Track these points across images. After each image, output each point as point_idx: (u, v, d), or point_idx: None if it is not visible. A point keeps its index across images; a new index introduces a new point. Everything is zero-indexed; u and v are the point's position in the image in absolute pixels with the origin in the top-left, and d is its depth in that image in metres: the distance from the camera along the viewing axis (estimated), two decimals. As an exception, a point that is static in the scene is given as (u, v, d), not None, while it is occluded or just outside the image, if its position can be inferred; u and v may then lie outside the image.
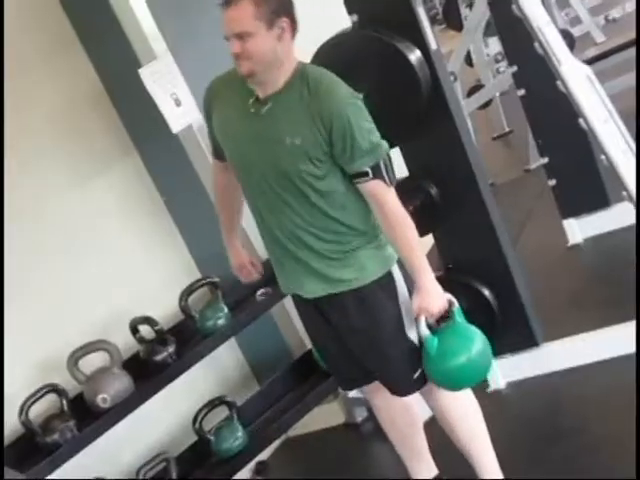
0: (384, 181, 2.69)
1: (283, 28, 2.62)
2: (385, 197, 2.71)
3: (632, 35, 6.18)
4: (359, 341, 2.86)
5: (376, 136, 2.69)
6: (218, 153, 2.95)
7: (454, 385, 2.90)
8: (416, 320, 2.82)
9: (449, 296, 2.85)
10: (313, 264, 2.78)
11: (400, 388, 2.93)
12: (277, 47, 2.62)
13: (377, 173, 2.68)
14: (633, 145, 3.24)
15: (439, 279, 2.83)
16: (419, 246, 2.78)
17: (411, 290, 2.84)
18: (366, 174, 2.68)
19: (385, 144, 2.71)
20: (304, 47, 3.33)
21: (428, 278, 2.77)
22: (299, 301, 2.96)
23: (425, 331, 2.81)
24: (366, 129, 2.66)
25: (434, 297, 2.78)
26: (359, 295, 2.80)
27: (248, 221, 3.15)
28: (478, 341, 2.85)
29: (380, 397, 3.07)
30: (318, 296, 2.84)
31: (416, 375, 2.87)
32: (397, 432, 3.15)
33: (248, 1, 2.55)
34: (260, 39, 2.58)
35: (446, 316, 2.83)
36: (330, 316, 2.87)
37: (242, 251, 3.23)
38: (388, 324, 2.82)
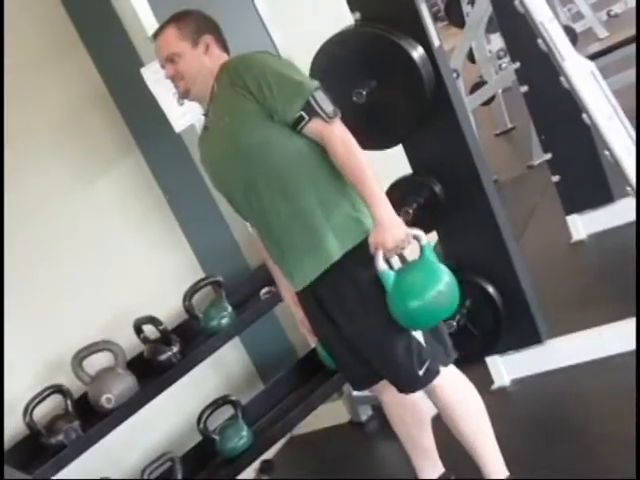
0: (321, 117, 2.66)
1: (207, 44, 2.82)
2: (329, 133, 2.68)
3: (634, 30, 6.17)
4: (358, 331, 2.82)
5: (297, 76, 2.70)
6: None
7: (412, 323, 2.77)
8: (374, 255, 2.68)
9: (416, 231, 2.72)
10: (298, 244, 2.76)
11: (405, 385, 2.89)
12: (205, 60, 2.81)
13: (311, 112, 2.66)
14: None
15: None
16: (374, 178, 2.67)
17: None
18: (302, 118, 2.67)
19: (309, 81, 2.70)
20: (306, 45, 3.36)
21: (383, 210, 2.66)
22: (304, 299, 2.94)
23: (381, 266, 2.68)
24: (280, 72, 2.68)
25: (390, 230, 2.64)
26: (347, 270, 2.74)
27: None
28: (439, 281, 2.70)
29: (389, 394, 3.05)
30: (314, 280, 2.80)
31: (422, 371, 2.82)
32: (405, 429, 3.13)
33: (171, 27, 2.82)
34: (188, 57, 2.80)
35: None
36: (328, 305, 2.84)
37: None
38: (381, 305, 2.75)
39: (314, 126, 2.68)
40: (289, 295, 3.05)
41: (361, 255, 2.72)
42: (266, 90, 2.65)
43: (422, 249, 2.72)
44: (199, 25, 2.84)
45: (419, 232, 2.73)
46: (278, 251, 2.87)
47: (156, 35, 2.86)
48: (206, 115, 2.88)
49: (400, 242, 2.66)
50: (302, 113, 2.65)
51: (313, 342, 3.17)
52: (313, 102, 2.65)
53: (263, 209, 2.78)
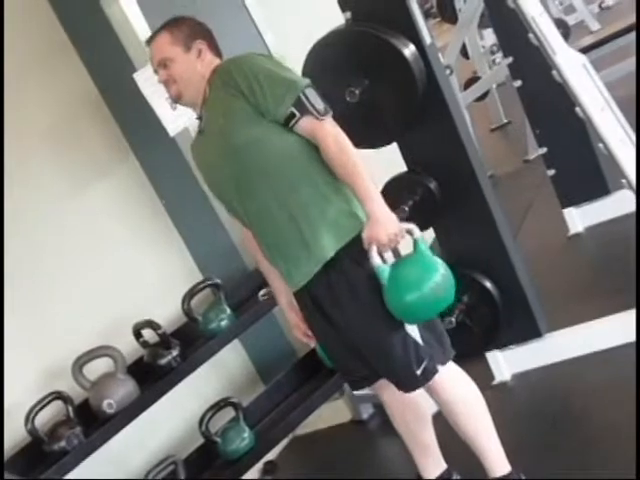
0: (312, 115, 2.68)
1: (200, 50, 2.84)
2: (321, 130, 2.69)
3: (626, 22, 6.18)
4: (353, 328, 2.83)
5: (287, 74, 2.71)
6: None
7: (409, 317, 2.78)
8: (368, 250, 2.69)
9: (409, 225, 2.73)
10: (294, 245, 2.77)
11: (404, 384, 2.91)
12: (197, 65, 2.83)
13: (302, 109, 2.67)
14: (631, 133, 3.23)
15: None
16: (365, 174, 2.68)
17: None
18: (293, 115, 2.68)
19: (300, 79, 2.72)
20: (299, 45, 3.36)
21: (376, 204, 2.67)
22: (298, 296, 2.94)
23: (376, 261, 2.68)
24: (271, 71, 2.69)
25: (383, 225, 2.65)
26: (342, 267, 2.75)
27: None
28: (435, 272, 2.72)
29: (388, 392, 3.05)
30: (310, 279, 2.81)
31: (419, 370, 2.84)
32: (406, 427, 3.14)
33: (164, 32, 2.86)
34: (180, 62, 2.82)
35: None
36: (324, 305, 2.85)
37: (297, 308, 3.05)
38: (376, 302, 2.76)
39: (305, 124, 2.69)
40: (284, 300, 3.06)
41: (356, 250, 2.73)
42: (257, 89, 2.66)
43: (415, 243, 2.73)
44: (192, 30, 2.87)
45: (412, 226, 2.74)
46: (273, 251, 2.87)
47: (149, 41, 2.90)
48: (199, 119, 2.89)
49: (394, 237, 2.67)
50: (293, 110, 2.67)
51: (311, 344, 3.16)
52: (304, 99, 2.66)
53: (256, 209, 2.79)
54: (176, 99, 2.89)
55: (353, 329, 2.83)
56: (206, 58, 2.84)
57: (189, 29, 2.86)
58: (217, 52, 2.90)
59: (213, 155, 2.83)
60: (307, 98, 2.67)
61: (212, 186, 2.95)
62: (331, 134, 2.69)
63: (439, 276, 2.73)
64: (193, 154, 3.00)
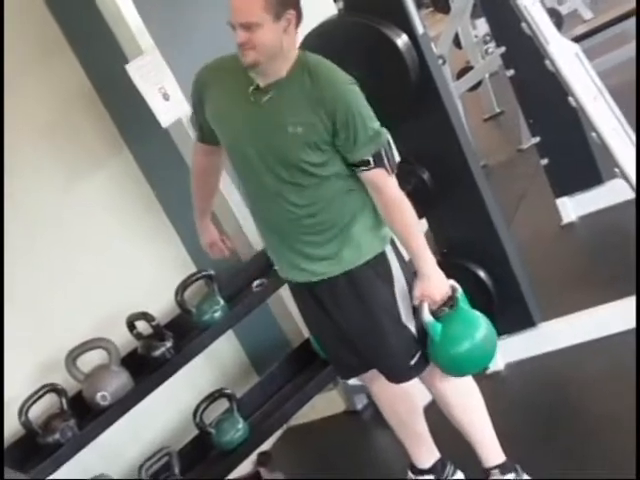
0: (385, 169, 2.69)
1: (289, 20, 2.59)
2: (385, 185, 2.71)
3: (620, 10, 6.18)
4: (353, 326, 2.86)
5: (376, 124, 2.69)
6: (204, 137, 2.93)
7: (459, 371, 2.91)
8: (419, 307, 2.82)
9: (452, 282, 2.85)
10: (307, 249, 2.78)
11: (397, 375, 2.93)
12: (283, 39, 2.60)
13: (378, 161, 2.68)
14: (624, 121, 3.24)
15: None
16: (420, 232, 2.78)
17: (410, 278, 2.84)
18: (367, 163, 2.68)
19: (385, 132, 2.70)
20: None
21: (430, 264, 2.78)
22: (295, 288, 2.96)
23: (429, 317, 2.81)
24: (367, 117, 2.66)
25: (436, 283, 2.79)
26: (352, 278, 2.79)
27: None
28: (482, 327, 2.86)
29: (379, 384, 3.07)
30: (312, 281, 2.83)
31: (413, 362, 2.87)
32: (397, 418, 3.15)
33: None
34: (267, 31, 2.55)
35: (449, 302, 2.83)
36: (324, 301, 2.86)
37: (212, 229, 3.25)
38: (381, 309, 2.81)
39: (375, 174, 2.69)
40: (204, 222, 3.24)
41: (373, 267, 2.79)
42: (351, 130, 2.62)
43: (457, 300, 2.84)
44: None
45: (454, 282, 2.86)
46: (271, 244, 2.89)
47: None
48: (257, 88, 2.67)
49: (445, 295, 2.80)
50: (370, 159, 2.67)
51: (213, 255, 3.30)
52: (383, 154, 2.68)
53: (277, 212, 2.78)
54: (251, 65, 2.60)
55: (350, 322, 2.85)
56: (291, 33, 2.62)
57: None
58: (299, 22, 2.65)
59: (256, 141, 2.71)
60: (386, 153, 2.68)
61: (229, 145, 2.84)
62: (395, 191, 2.73)
63: (485, 330, 2.87)
64: (216, 96, 2.78)
